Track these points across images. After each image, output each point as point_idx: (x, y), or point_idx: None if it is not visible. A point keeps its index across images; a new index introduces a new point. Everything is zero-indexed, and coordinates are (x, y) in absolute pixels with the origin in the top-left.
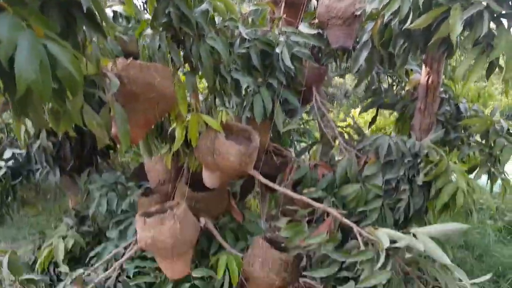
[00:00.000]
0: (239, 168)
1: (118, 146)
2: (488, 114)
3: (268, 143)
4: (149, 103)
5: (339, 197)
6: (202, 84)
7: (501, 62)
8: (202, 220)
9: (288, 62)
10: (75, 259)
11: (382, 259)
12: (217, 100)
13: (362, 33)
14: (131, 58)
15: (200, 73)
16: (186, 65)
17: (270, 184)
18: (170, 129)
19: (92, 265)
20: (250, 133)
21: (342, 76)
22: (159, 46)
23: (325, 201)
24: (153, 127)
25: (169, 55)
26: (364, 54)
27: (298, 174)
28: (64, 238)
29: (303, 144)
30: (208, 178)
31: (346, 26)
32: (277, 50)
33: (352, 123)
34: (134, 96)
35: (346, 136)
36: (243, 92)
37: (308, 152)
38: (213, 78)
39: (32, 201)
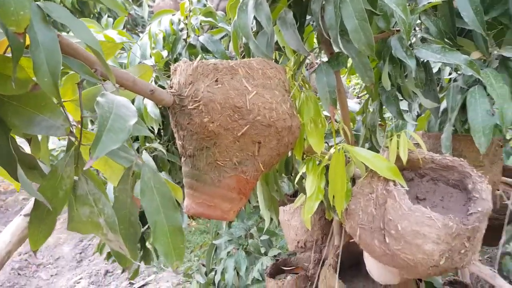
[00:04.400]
0: (443, 266)
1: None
2: None
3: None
4: (241, 146)
5: None
6: (349, 80)
7: None
8: None
9: None
10: None
11: None
12: (386, 109)
13: None
14: (198, 58)
15: (348, 63)
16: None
17: None
18: (301, 171)
19: None
20: (466, 174)
21: None
22: (257, 22)
23: None
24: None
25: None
26: None
27: None
28: None
29: None
30: (376, 270)
31: None
32: None
33: None
34: (212, 135)
35: None
36: (441, 84)
37: None
38: (373, 68)
39: None
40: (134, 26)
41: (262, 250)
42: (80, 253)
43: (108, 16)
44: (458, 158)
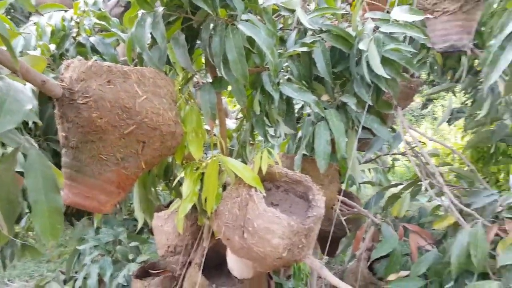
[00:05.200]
0: (286, 257)
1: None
2: None
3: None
4: (126, 143)
5: None
6: (234, 105)
7: None
8: None
9: (380, 69)
10: None
11: None
12: (256, 131)
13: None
14: (94, 58)
15: (228, 87)
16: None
17: (333, 281)
18: (179, 176)
19: None
20: (308, 188)
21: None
22: (152, 37)
23: None
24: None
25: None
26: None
27: (381, 249)
28: None
29: (369, 188)
30: (235, 265)
31: (463, 13)
32: (362, 46)
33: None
34: (98, 130)
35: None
36: (299, 118)
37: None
38: (248, 95)
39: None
40: (9, 10)
41: (131, 257)
42: None
43: None
44: (305, 175)
